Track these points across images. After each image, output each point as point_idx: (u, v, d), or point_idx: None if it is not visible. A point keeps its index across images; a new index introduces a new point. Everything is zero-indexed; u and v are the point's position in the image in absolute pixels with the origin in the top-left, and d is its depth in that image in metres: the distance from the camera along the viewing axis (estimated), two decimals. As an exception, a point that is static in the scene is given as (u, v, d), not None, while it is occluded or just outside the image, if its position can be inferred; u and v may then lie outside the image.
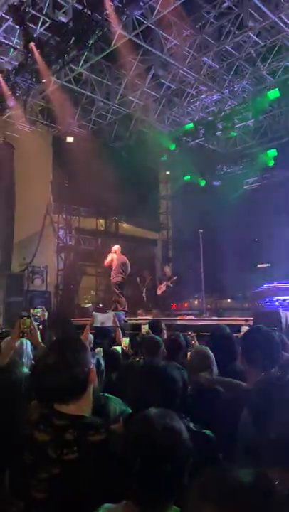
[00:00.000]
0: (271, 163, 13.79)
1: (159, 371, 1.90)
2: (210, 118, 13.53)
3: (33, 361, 3.02)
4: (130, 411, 2.45)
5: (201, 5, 10.17)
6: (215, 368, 2.79)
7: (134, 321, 8.52)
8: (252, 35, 10.40)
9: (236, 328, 5.12)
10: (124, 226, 16.93)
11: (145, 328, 5.83)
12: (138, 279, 13.52)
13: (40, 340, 2.64)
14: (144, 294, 13.32)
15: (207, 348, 2.91)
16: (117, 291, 9.92)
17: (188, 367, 2.65)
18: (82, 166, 13.15)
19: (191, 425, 1.77)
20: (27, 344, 2.89)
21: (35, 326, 2.64)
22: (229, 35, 10.48)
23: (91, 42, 9.46)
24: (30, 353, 3.07)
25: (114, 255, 10.08)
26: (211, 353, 2.82)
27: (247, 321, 6.54)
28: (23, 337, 2.62)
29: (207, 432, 2.00)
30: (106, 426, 1.56)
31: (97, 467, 1.36)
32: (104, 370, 2.57)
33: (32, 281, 11.95)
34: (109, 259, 10.14)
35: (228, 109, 13.08)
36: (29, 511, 1.38)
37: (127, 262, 10.05)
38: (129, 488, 1.19)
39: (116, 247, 10.34)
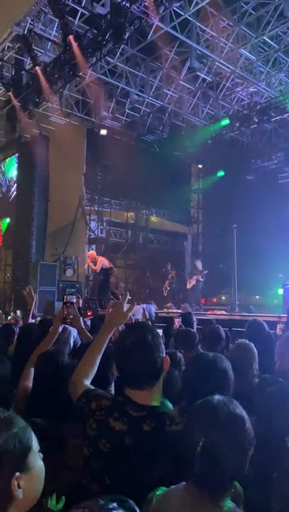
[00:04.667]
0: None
1: (212, 363, 1.87)
2: (245, 111, 13.32)
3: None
4: (168, 402, 2.47)
5: (239, -5, 10.00)
6: (257, 363, 2.78)
7: (165, 314, 8.57)
8: (292, 26, 10.14)
9: (270, 324, 5.06)
10: (154, 219, 16.96)
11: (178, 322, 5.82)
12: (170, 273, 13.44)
13: (82, 326, 2.71)
14: (166, 287, 13.20)
15: (250, 342, 2.90)
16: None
17: (231, 359, 2.65)
18: (114, 158, 13.24)
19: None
20: (71, 332, 2.92)
21: (78, 313, 2.70)
22: (268, 26, 10.25)
23: (128, 34, 9.47)
24: (72, 341, 3.10)
25: (98, 257, 11.14)
26: (254, 348, 2.81)
27: (280, 318, 6.46)
28: (66, 323, 2.69)
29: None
30: (181, 416, 1.54)
31: (174, 457, 1.35)
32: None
33: (64, 272, 12.17)
34: (99, 263, 10.95)
35: (264, 102, 12.83)
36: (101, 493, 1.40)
37: None
38: (191, 471, 1.22)
39: (93, 252, 11.51)
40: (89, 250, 14.03)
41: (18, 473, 1.02)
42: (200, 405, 1.32)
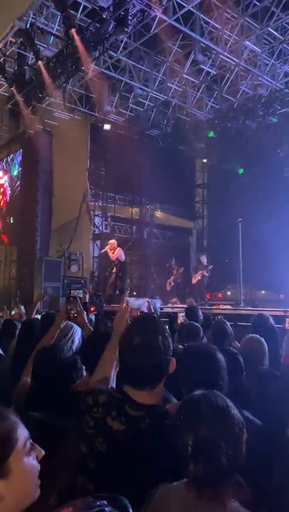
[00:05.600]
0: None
1: (200, 353, 1.86)
2: (250, 104, 13.18)
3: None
4: (173, 398, 2.44)
5: (244, -14, 9.87)
6: (267, 358, 2.73)
7: (170, 309, 8.53)
8: (297, 17, 10.00)
9: (276, 318, 5.01)
10: (159, 214, 16.89)
11: (182, 317, 5.77)
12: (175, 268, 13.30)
13: (86, 321, 2.67)
14: (170, 283, 13.06)
15: (261, 337, 2.85)
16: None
17: (241, 354, 2.60)
18: (118, 153, 13.18)
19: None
20: (75, 329, 2.86)
21: (82, 307, 2.66)
22: (273, 17, 10.13)
23: (131, 27, 9.38)
24: (77, 339, 3.03)
25: (118, 248, 10.88)
26: (264, 343, 2.76)
27: (286, 312, 6.39)
28: (69, 318, 2.65)
29: (251, 417, 1.97)
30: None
31: (174, 457, 1.29)
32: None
33: (69, 268, 12.16)
34: (118, 253, 10.78)
35: (268, 95, 12.69)
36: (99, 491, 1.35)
37: None
38: (187, 468, 1.18)
39: (115, 241, 11.26)
40: (93, 246, 14.03)
41: None
42: (182, 404, 1.29)
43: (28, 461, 1.00)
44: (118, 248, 10.86)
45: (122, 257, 10.84)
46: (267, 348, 2.77)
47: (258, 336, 2.89)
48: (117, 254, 10.71)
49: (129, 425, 1.43)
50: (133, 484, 1.28)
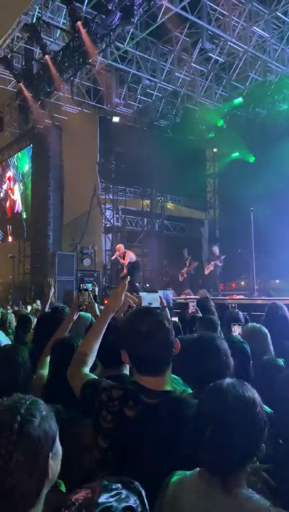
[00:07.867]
0: None
1: (200, 344, 1.89)
2: (259, 91, 12.98)
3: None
4: (190, 391, 2.45)
5: None
6: (271, 348, 2.72)
7: (183, 301, 8.54)
8: (306, 0, 9.79)
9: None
10: (170, 206, 16.82)
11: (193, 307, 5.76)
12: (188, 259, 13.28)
13: (97, 313, 2.69)
14: (183, 274, 13.05)
15: (262, 326, 2.84)
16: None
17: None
18: (128, 146, 13.15)
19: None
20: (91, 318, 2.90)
21: (93, 299, 2.69)
22: (281, 1, 9.94)
23: (137, 17, 9.30)
24: None
25: (127, 251, 11.04)
26: (266, 331, 2.75)
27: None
28: (81, 310, 2.68)
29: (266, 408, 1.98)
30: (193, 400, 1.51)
31: (191, 443, 1.31)
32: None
33: (81, 261, 12.22)
34: (128, 257, 10.86)
35: (278, 81, 12.48)
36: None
37: None
38: (202, 456, 1.20)
39: (122, 245, 11.48)
40: (105, 240, 14.09)
41: (51, 454, 1.07)
42: (209, 390, 1.30)
43: (59, 443, 1.15)
44: (127, 252, 11.00)
45: (134, 259, 10.92)
46: (269, 336, 2.76)
47: (257, 325, 2.89)
48: (128, 258, 10.80)
49: (147, 413, 1.44)
50: (154, 473, 1.30)
